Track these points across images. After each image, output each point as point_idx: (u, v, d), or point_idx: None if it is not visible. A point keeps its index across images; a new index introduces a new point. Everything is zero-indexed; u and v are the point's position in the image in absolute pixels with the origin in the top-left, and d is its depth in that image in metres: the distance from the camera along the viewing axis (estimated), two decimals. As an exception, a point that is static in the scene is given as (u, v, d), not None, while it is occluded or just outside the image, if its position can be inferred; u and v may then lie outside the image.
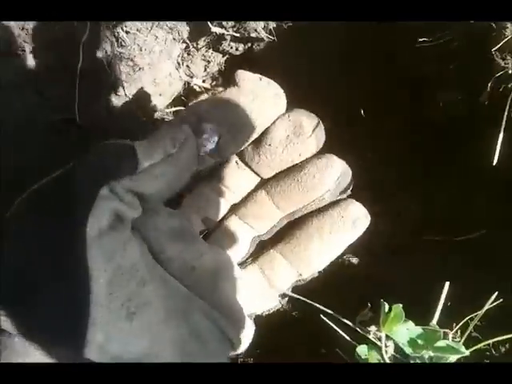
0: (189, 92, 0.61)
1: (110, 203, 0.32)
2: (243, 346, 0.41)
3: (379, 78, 0.50)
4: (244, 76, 0.40)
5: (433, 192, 0.51)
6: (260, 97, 0.39)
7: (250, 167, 0.43)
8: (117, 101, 0.54)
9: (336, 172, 0.40)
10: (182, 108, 0.59)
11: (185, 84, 0.60)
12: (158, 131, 0.36)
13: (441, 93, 0.45)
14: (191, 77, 0.60)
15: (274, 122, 0.40)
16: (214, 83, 0.61)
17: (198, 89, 0.60)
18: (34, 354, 0.31)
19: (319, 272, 0.43)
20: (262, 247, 0.44)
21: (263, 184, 0.43)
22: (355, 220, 0.40)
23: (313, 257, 0.41)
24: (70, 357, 0.31)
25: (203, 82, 0.60)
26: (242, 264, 0.43)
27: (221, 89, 0.59)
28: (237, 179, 0.43)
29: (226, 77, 0.60)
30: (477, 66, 0.41)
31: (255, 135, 0.41)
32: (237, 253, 0.43)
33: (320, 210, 0.41)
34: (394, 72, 0.48)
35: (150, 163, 0.34)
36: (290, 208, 0.42)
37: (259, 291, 0.42)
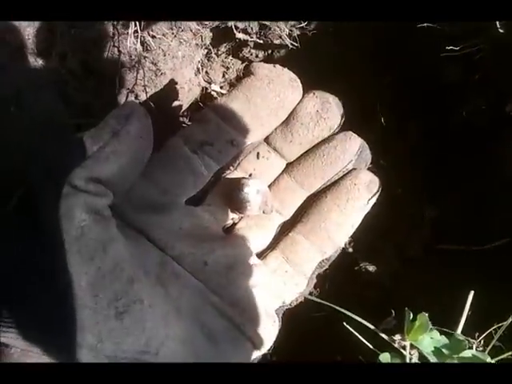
0: (206, 98, 0.61)
1: (75, 200, 0.32)
2: (267, 345, 0.40)
3: (402, 83, 0.50)
4: (258, 65, 0.42)
5: (453, 201, 0.51)
6: (275, 81, 0.41)
7: (277, 151, 0.43)
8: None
9: (356, 143, 0.41)
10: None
11: (203, 90, 0.60)
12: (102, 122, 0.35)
13: (464, 102, 0.45)
14: (209, 83, 0.60)
15: (301, 101, 0.41)
16: (232, 89, 0.61)
17: (215, 95, 0.60)
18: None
19: (342, 249, 0.44)
20: (281, 232, 0.44)
21: (285, 168, 0.44)
22: (368, 184, 0.42)
23: (334, 230, 0.42)
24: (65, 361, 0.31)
25: (221, 88, 0.61)
26: (264, 253, 0.43)
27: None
28: (263, 167, 0.44)
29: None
30: (504, 75, 0.41)
31: (277, 119, 0.42)
32: (262, 242, 0.43)
33: (332, 185, 0.42)
34: (418, 78, 0.48)
35: (98, 146, 0.33)
36: (314, 185, 0.43)
37: (283, 279, 0.42)
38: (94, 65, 0.47)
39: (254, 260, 0.42)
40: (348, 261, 0.54)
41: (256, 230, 0.43)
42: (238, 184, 0.41)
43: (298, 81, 0.42)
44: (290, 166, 0.44)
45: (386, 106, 0.52)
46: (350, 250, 0.55)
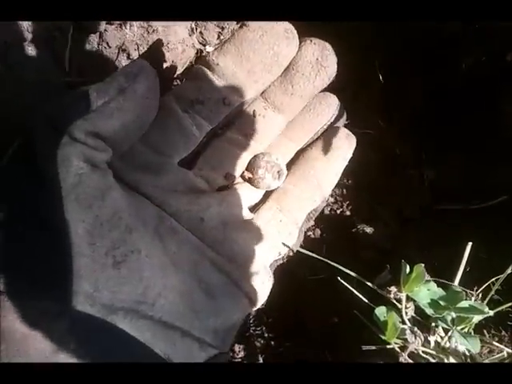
0: (200, 60, 0.59)
1: (73, 149, 0.31)
2: (261, 299, 0.41)
3: (401, 39, 0.48)
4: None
5: (452, 162, 0.50)
6: (269, 32, 0.39)
7: (276, 107, 0.43)
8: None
9: (335, 99, 0.44)
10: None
11: (197, 52, 0.59)
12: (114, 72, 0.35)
13: (464, 54, 0.44)
14: (204, 44, 0.58)
15: (299, 50, 0.40)
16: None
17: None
18: (24, 311, 0.30)
19: (326, 201, 0.47)
20: None
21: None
22: (347, 137, 0.44)
23: (322, 177, 0.44)
24: (60, 311, 0.30)
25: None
26: (255, 207, 0.43)
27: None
28: (260, 126, 0.43)
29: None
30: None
31: (271, 74, 0.41)
32: (255, 196, 0.43)
33: (316, 139, 0.45)
34: (417, 32, 0.47)
35: (103, 101, 0.33)
36: (303, 139, 0.45)
37: (277, 228, 0.42)
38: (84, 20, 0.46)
39: (247, 214, 0.42)
40: (345, 223, 0.53)
41: (249, 186, 0.43)
42: (253, 160, 0.43)
43: (294, 31, 0.40)
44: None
45: (385, 64, 0.50)
46: (348, 212, 0.54)
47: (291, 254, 0.44)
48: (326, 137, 0.45)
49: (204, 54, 0.58)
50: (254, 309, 0.41)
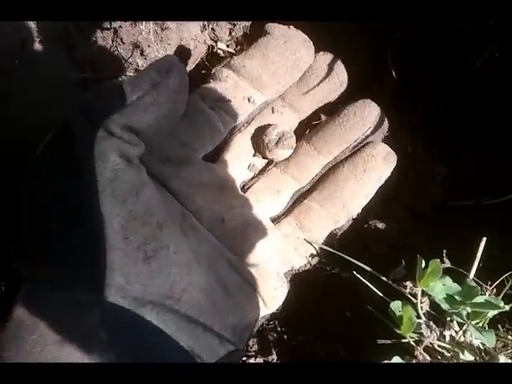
0: (212, 57, 0.60)
1: (109, 144, 0.32)
2: (275, 305, 0.41)
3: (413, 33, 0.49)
4: (273, 25, 0.43)
5: (465, 159, 0.50)
6: (291, 40, 0.42)
7: (291, 105, 0.44)
8: (142, 61, 0.53)
9: (375, 110, 0.42)
10: (207, 72, 0.58)
11: (209, 48, 0.59)
12: (146, 67, 0.36)
13: (478, 50, 0.44)
14: (215, 41, 0.59)
15: (315, 59, 0.43)
16: (239, 48, 0.60)
17: (221, 53, 0.59)
18: (58, 301, 0.31)
19: (353, 219, 0.45)
20: (296, 200, 0.44)
21: (304, 136, 0.44)
22: (385, 156, 0.42)
23: (350, 199, 0.42)
24: (92, 302, 0.31)
25: (227, 46, 0.59)
26: (277, 219, 0.43)
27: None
28: (277, 122, 0.44)
29: (252, 41, 0.59)
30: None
31: (292, 77, 0.43)
32: (276, 207, 0.43)
33: (349, 156, 0.43)
34: (430, 27, 0.47)
35: (137, 95, 0.33)
36: (332, 152, 0.43)
37: (294, 244, 0.42)
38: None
39: (267, 223, 0.42)
40: (357, 219, 0.54)
41: (272, 194, 0.43)
42: (265, 128, 0.43)
43: (311, 42, 0.43)
44: (308, 134, 0.45)
45: (397, 59, 0.50)
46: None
47: (307, 267, 0.44)
48: (361, 154, 0.42)
49: (216, 50, 0.59)
50: (269, 312, 0.41)
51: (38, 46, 0.46)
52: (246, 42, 0.60)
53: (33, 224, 0.33)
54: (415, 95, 0.51)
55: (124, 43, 0.50)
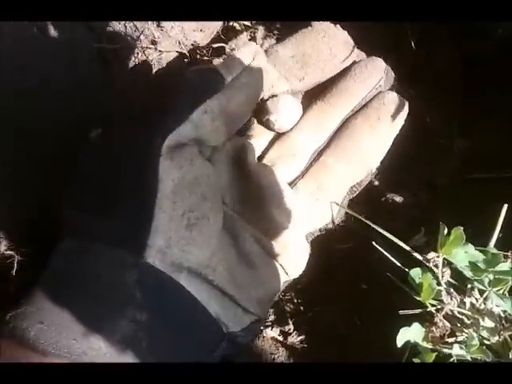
0: (228, 30, 0.59)
1: (193, 130, 0.35)
2: (298, 271, 0.41)
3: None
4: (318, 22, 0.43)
5: (485, 131, 0.50)
6: (331, 36, 0.42)
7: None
8: (158, 33, 0.52)
9: (382, 62, 0.42)
10: (222, 45, 0.57)
11: (224, 22, 0.58)
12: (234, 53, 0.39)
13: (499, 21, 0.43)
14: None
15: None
16: (255, 21, 0.59)
17: (237, 27, 0.59)
18: (97, 258, 0.32)
19: (373, 174, 0.44)
20: (312, 159, 0.43)
21: (317, 94, 0.43)
22: (397, 102, 0.42)
23: (367, 150, 0.42)
24: (133, 262, 0.31)
25: (244, 19, 0.59)
26: (294, 181, 0.43)
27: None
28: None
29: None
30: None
31: (322, 73, 0.42)
32: (293, 170, 0.42)
33: (361, 108, 0.42)
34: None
35: (232, 77, 0.37)
36: (349, 104, 0.42)
37: (314, 206, 0.42)
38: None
39: (285, 190, 0.41)
40: (374, 192, 0.53)
41: (288, 158, 0.42)
42: (274, 99, 0.42)
43: (353, 45, 0.43)
44: (321, 93, 0.43)
45: (416, 28, 0.50)
46: (376, 182, 0.54)
47: (330, 227, 0.43)
48: (372, 104, 0.42)
49: (232, 23, 0.58)
50: (291, 279, 0.41)
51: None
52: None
53: (96, 176, 0.35)
54: (434, 65, 0.50)
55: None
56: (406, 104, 0.42)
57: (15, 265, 0.35)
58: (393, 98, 0.42)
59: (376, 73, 0.42)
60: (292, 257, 0.40)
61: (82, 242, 0.32)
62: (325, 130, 0.43)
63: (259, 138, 0.44)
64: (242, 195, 0.40)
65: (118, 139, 0.36)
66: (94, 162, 0.35)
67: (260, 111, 0.43)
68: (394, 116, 0.42)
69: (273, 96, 0.43)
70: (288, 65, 0.42)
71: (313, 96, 0.44)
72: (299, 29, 0.43)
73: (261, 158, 0.44)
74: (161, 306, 0.31)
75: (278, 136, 0.44)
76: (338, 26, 0.42)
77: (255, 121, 0.44)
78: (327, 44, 0.41)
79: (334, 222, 0.43)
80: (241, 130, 0.43)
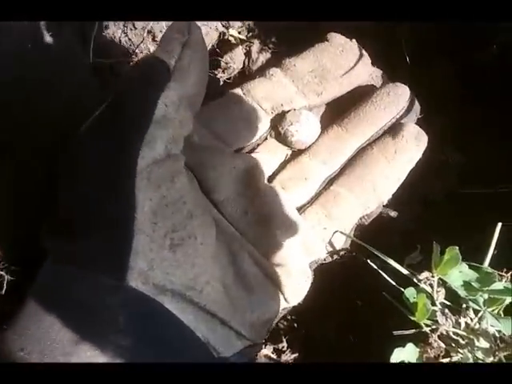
0: (223, 44, 0.59)
1: (164, 130, 0.32)
2: (298, 298, 0.40)
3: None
4: (335, 35, 0.42)
5: (478, 141, 0.50)
6: (349, 51, 0.41)
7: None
8: (153, 47, 0.52)
9: (407, 90, 0.41)
10: (218, 59, 0.57)
11: (220, 35, 0.58)
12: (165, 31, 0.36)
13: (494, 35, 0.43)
14: (227, 28, 0.58)
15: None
16: (250, 35, 0.59)
17: (233, 40, 0.59)
18: (79, 283, 0.31)
19: (384, 206, 0.43)
20: (323, 186, 0.42)
21: (334, 119, 0.43)
22: (416, 136, 0.40)
23: (380, 183, 0.40)
24: (115, 286, 0.31)
25: (239, 33, 0.59)
26: (303, 207, 0.41)
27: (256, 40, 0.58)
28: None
29: (263, 29, 0.59)
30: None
31: (340, 88, 0.42)
32: (304, 195, 0.41)
33: (378, 139, 0.41)
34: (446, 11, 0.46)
35: (175, 59, 0.34)
36: (366, 133, 0.41)
37: (321, 235, 0.41)
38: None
39: (293, 214, 0.40)
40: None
41: (299, 183, 0.41)
42: (293, 114, 0.41)
43: (370, 60, 0.42)
44: (339, 117, 0.43)
45: (412, 43, 0.50)
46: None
47: (334, 258, 0.42)
48: (391, 135, 0.41)
49: (227, 37, 0.58)
50: (290, 306, 0.40)
51: (49, 32, 0.46)
52: (258, 28, 0.60)
53: (71, 201, 0.33)
54: (430, 80, 0.50)
55: (136, 28, 0.50)
56: (425, 138, 0.41)
57: (4, 285, 0.35)
58: (413, 131, 0.41)
59: (398, 102, 0.41)
60: (293, 284, 0.39)
61: (61, 266, 0.32)
62: (339, 156, 0.42)
63: (272, 154, 0.43)
64: (246, 213, 0.39)
65: (94, 159, 0.34)
66: (71, 184, 0.34)
67: (279, 122, 0.42)
68: (412, 150, 0.41)
69: (292, 111, 0.42)
70: (306, 79, 0.41)
71: (330, 119, 0.44)
72: (313, 42, 0.43)
73: (272, 178, 0.42)
74: (145, 329, 0.30)
75: (291, 157, 0.43)
76: (354, 41, 0.42)
77: (270, 135, 0.43)
78: (346, 59, 0.41)
79: (339, 253, 0.42)
80: (254, 145, 0.42)
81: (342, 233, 0.41)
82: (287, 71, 0.41)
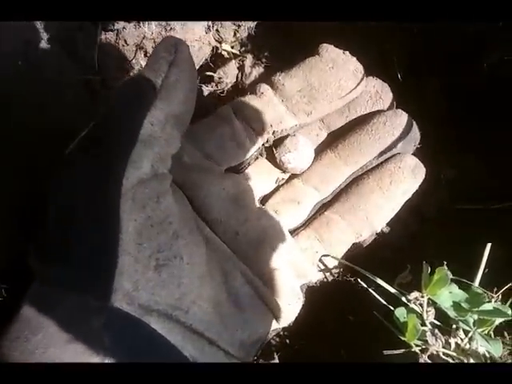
0: (217, 58, 0.59)
1: (148, 150, 0.32)
2: (288, 320, 0.40)
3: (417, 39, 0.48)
4: (327, 47, 0.41)
5: (469, 159, 0.50)
6: (339, 67, 0.40)
7: (323, 122, 0.42)
8: (145, 63, 0.52)
9: (405, 120, 0.40)
10: (211, 73, 0.57)
11: (213, 50, 0.59)
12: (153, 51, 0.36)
13: (486, 52, 0.43)
14: (220, 42, 0.58)
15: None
16: (243, 49, 0.59)
17: (226, 55, 0.59)
18: (65, 304, 0.31)
19: (377, 234, 0.42)
20: (317, 211, 0.42)
21: (328, 144, 0.42)
22: (413, 169, 0.40)
23: (374, 212, 0.40)
24: (99, 307, 0.31)
25: (232, 47, 0.59)
26: (296, 231, 0.42)
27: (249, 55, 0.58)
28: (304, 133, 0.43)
29: (256, 43, 0.59)
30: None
31: (331, 106, 0.40)
32: (296, 219, 0.41)
33: (376, 166, 0.41)
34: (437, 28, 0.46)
35: (161, 78, 0.34)
36: (359, 162, 0.41)
37: (312, 259, 0.41)
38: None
39: (285, 236, 0.40)
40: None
41: (291, 206, 0.42)
42: (289, 140, 0.41)
43: (363, 73, 0.41)
44: (333, 142, 0.43)
45: (403, 62, 0.50)
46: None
47: (325, 281, 0.42)
48: (388, 165, 0.40)
49: (220, 51, 0.58)
50: (281, 326, 0.40)
51: (41, 48, 0.46)
52: (251, 43, 0.60)
53: (56, 223, 0.33)
54: (421, 97, 0.50)
55: (128, 44, 0.50)
56: (423, 171, 0.41)
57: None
58: (410, 163, 0.40)
59: (393, 132, 0.40)
60: (284, 305, 0.39)
61: (47, 288, 0.32)
62: (332, 182, 0.42)
63: (265, 176, 0.43)
64: (238, 234, 0.39)
65: (81, 179, 0.34)
66: (57, 204, 0.34)
67: (276, 147, 0.42)
68: (408, 182, 0.40)
69: (289, 135, 0.42)
70: (295, 99, 0.40)
71: (324, 144, 0.43)
72: (304, 56, 0.42)
73: (264, 200, 0.43)
74: (131, 349, 0.30)
75: (285, 181, 0.43)
76: (347, 53, 0.41)
77: (261, 155, 0.43)
78: (335, 76, 0.40)
79: (331, 277, 0.42)
80: (245, 164, 0.42)
81: (332, 257, 0.41)
82: (277, 90, 0.41)
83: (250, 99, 0.41)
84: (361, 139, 0.40)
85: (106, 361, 0.29)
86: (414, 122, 0.40)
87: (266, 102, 0.41)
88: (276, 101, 0.41)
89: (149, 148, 0.32)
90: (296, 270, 0.40)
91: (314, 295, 0.49)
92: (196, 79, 0.37)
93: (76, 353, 0.29)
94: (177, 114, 0.34)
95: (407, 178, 0.40)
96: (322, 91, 0.40)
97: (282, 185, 0.43)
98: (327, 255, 0.41)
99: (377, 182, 0.40)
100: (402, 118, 0.40)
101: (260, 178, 0.42)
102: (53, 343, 0.29)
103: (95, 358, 0.29)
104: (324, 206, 0.42)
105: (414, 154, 0.42)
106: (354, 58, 0.41)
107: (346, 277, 0.43)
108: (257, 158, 0.43)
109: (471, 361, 0.35)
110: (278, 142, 0.42)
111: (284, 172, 0.43)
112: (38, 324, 0.30)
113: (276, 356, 0.48)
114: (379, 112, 0.41)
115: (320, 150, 0.43)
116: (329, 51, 0.40)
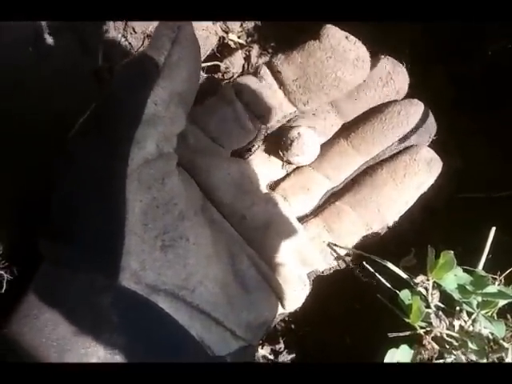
0: (223, 48, 0.60)
1: (152, 129, 0.32)
2: (294, 306, 0.40)
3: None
4: (329, 31, 0.37)
5: (474, 147, 0.50)
6: (338, 57, 0.37)
7: (337, 108, 0.41)
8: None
9: (421, 110, 0.39)
10: (218, 63, 0.58)
11: (220, 40, 0.59)
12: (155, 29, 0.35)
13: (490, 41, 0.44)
14: (227, 32, 0.59)
15: (372, 62, 0.38)
16: (250, 39, 0.60)
17: (232, 45, 0.59)
18: (73, 284, 0.31)
19: (389, 227, 0.41)
20: (327, 201, 0.42)
21: (341, 132, 0.41)
22: (429, 162, 0.38)
23: (386, 205, 0.39)
24: (106, 285, 0.31)
25: (239, 37, 0.60)
26: (305, 218, 0.41)
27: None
28: (317, 124, 0.42)
29: (262, 33, 0.59)
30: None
31: (327, 96, 0.39)
32: (305, 206, 0.41)
33: (390, 157, 0.40)
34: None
35: (164, 56, 0.33)
36: (372, 151, 0.40)
37: (320, 248, 0.41)
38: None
39: (294, 223, 0.40)
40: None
41: (301, 193, 0.41)
42: (294, 132, 0.40)
43: (367, 61, 0.38)
44: (346, 130, 0.42)
45: (410, 51, 0.50)
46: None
47: (332, 270, 0.42)
48: (403, 157, 0.39)
49: (227, 41, 0.59)
50: (286, 312, 0.40)
51: (50, 37, 0.47)
52: (257, 33, 0.60)
53: (63, 204, 0.33)
54: (428, 86, 0.51)
55: (136, 33, 0.50)
56: (439, 164, 0.39)
57: (4, 284, 0.35)
58: (426, 155, 0.39)
59: (407, 122, 0.39)
60: (289, 290, 0.39)
61: (56, 268, 0.32)
62: (343, 171, 0.41)
63: (273, 163, 0.42)
64: (245, 218, 0.39)
65: (86, 161, 0.34)
66: (63, 186, 0.34)
67: (283, 139, 0.41)
68: (423, 176, 0.39)
69: (295, 128, 0.41)
70: (291, 88, 0.39)
71: (337, 132, 0.42)
72: (309, 37, 0.38)
73: (274, 186, 0.42)
74: (139, 328, 0.31)
75: (296, 168, 0.43)
76: (351, 37, 0.37)
77: (270, 145, 0.42)
78: (332, 68, 0.37)
79: (339, 267, 0.42)
80: (252, 151, 0.42)
81: (337, 245, 0.41)
82: (275, 74, 0.40)
83: (252, 82, 0.40)
84: (374, 128, 0.39)
85: (113, 339, 0.30)
86: (431, 113, 0.39)
87: (267, 85, 0.40)
88: (275, 87, 0.40)
89: (153, 127, 0.32)
90: (303, 258, 0.40)
91: (320, 283, 0.50)
92: (200, 57, 0.36)
93: (85, 331, 0.30)
94: (180, 92, 0.34)
95: (422, 171, 0.39)
96: (318, 83, 0.38)
97: (293, 171, 0.42)
98: (335, 244, 0.41)
99: (390, 174, 0.39)
100: (417, 107, 0.39)
101: (267, 164, 0.42)
102: (61, 321, 0.30)
103: (102, 337, 0.30)
104: (334, 196, 0.42)
105: (429, 146, 0.41)
106: (358, 44, 0.38)
107: (352, 264, 0.43)
108: (261, 144, 0.43)
109: (474, 342, 0.36)
110: (283, 132, 0.42)
111: (290, 164, 0.43)
112: (47, 302, 0.31)
113: (281, 340, 0.49)
114: (394, 101, 0.40)
115: (333, 138, 0.42)
116: (329, 36, 0.37)
